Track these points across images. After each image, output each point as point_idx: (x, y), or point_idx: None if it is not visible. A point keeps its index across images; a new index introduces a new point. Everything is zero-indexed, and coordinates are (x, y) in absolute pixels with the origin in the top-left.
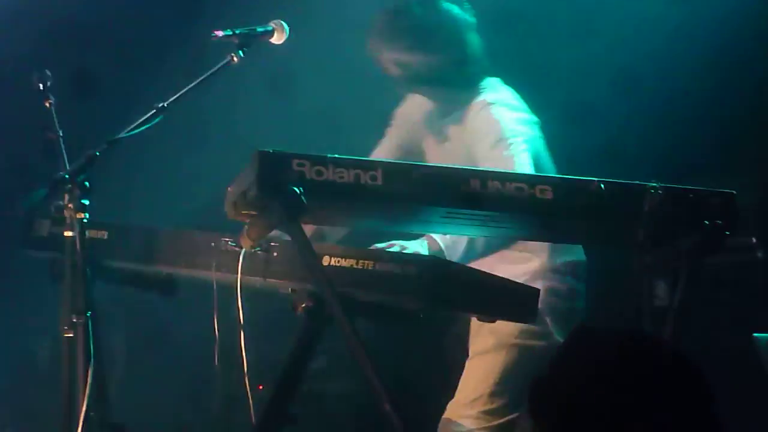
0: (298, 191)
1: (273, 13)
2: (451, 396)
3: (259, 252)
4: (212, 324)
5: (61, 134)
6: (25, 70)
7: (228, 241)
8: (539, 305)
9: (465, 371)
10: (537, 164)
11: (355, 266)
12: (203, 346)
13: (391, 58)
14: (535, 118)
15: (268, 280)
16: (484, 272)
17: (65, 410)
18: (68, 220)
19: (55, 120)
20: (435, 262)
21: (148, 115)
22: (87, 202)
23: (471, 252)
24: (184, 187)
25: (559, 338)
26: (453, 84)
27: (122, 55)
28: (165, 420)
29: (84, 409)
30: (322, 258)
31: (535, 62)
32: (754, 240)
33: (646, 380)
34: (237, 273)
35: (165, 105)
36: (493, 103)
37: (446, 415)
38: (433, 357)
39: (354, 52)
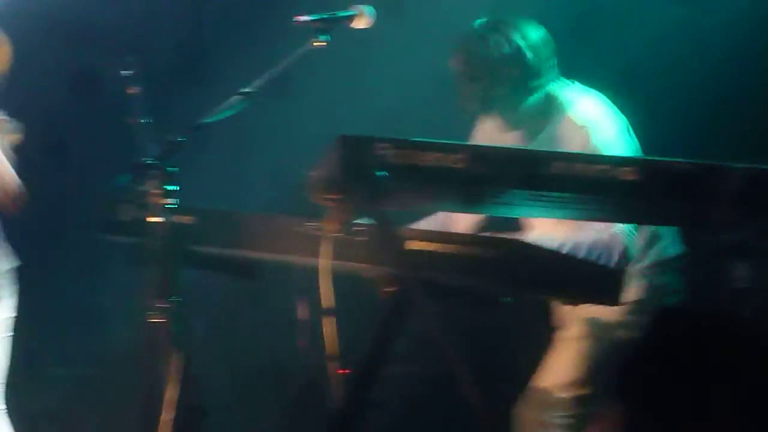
0: (381, 175)
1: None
2: (527, 379)
3: (342, 236)
4: (294, 308)
5: (145, 121)
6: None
7: (312, 226)
8: (640, 297)
9: (556, 354)
10: None
11: (438, 250)
12: (284, 331)
13: (469, 87)
14: (624, 121)
15: (351, 264)
16: (568, 255)
17: (148, 394)
18: (154, 206)
19: (139, 107)
20: (517, 245)
21: (232, 100)
22: (173, 188)
23: None
24: (268, 171)
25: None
26: (529, 105)
27: (198, 41)
28: (245, 403)
29: (169, 392)
30: (405, 242)
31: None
32: None
33: (730, 354)
34: (320, 257)
35: (249, 90)
36: (585, 126)
37: (535, 396)
38: (508, 339)
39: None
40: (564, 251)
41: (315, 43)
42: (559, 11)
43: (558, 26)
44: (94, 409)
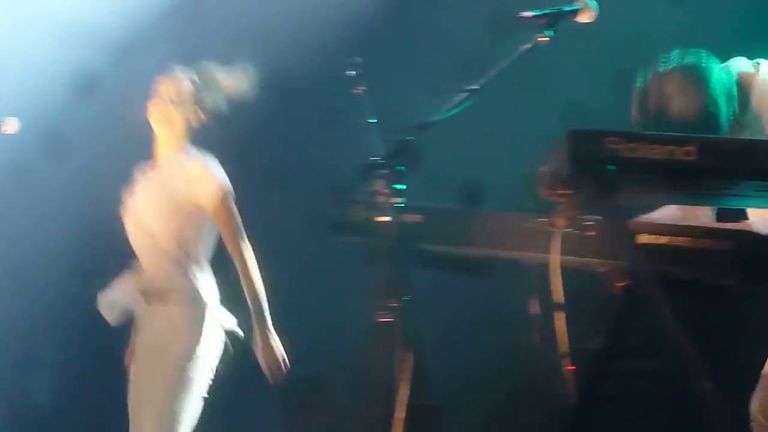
0: (611, 169)
1: None
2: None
3: (573, 231)
4: (527, 305)
5: (372, 121)
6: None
7: (543, 221)
8: None
9: None
10: None
11: (670, 243)
12: (514, 327)
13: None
14: None
15: (583, 259)
16: None
17: (383, 394)
18: (383, 205)
19: (365, 107)
20: (752, 236)
21: (459, 98)
22: (402, 187)
23: None
24: (495, 166)
25: None
26: None
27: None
28: (480, 401)
29: (403, 392)
30: (636, 235)
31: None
32: None
33: None
34: (552, 253)
35: (476, 88)
36: None
37: None
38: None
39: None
40: None
41: (540, 39)
42: None
43: None
44: (328, 409)
